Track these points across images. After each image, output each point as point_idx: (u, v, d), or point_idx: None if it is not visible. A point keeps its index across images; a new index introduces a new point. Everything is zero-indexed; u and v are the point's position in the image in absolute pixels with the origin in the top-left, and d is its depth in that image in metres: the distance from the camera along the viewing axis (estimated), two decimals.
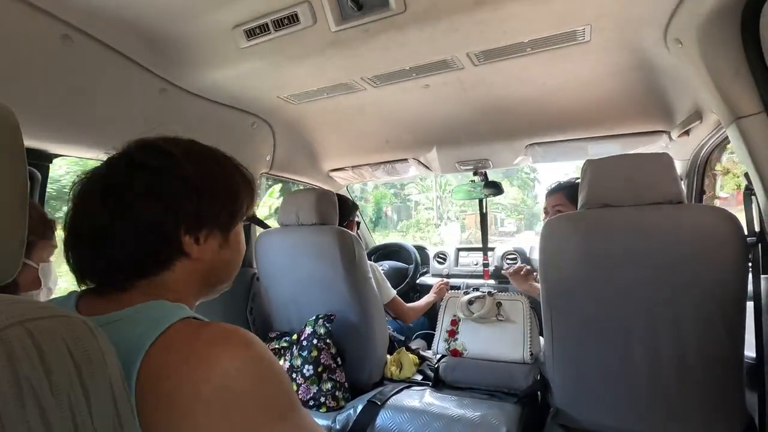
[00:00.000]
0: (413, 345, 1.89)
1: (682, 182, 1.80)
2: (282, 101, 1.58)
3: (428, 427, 1.24)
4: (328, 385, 1.47)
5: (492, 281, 2.36)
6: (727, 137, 1.45)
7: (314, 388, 1.47)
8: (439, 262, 2.74)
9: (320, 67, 1.30)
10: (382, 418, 1.31)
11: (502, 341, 1.47)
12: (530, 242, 2.62)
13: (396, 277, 2.46)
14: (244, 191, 0.63)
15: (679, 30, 1.00)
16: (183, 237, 0.55)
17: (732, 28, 0.90)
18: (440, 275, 2.63)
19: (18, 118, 0.42)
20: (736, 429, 1.05)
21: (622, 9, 1.03)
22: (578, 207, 1.19)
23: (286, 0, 1.03)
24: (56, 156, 1.23)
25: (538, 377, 1.36)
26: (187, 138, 0.62)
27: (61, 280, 1.04)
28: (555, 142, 1.84)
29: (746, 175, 1.02)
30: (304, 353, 1.49)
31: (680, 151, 1.71)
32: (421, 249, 2.80)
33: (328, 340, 1.50)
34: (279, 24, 1.09)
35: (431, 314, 2.35)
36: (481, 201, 2.24)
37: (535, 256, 2.37)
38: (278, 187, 7.13)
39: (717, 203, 3.60)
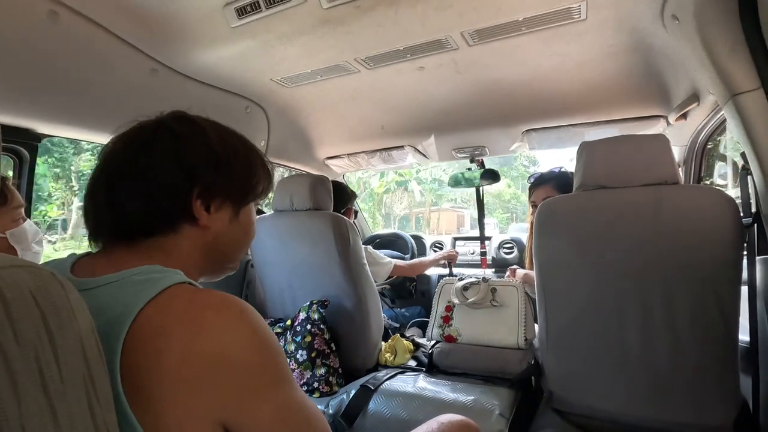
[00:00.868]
0: (408, 333, 1.89)
1: (680, 168, 1.78)
2: (275, 84, 1.56)
3: (421, 411, 1.23)
4: (322, 371, 1.46)
5: (490, 271, 2.35)
6: (724, 120, 1.44)
7: (308, 374, 1.46)
8: (436, 252, 2.73)
9: (313, 48, 1.28)
10: (375, 402, 1.31)
11: (496, 327, 1.46)
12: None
13: None
14: (260, 173, 0.64)
15: (676, 6, 0.98)
16: (194, 201, 0.56)
17: (729, 2, 0.88)
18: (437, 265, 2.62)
19: (3, 96, 0.40)
20: (729, 412, 1.04)
21: None
22: (573, 189, 1.17)
23: None
24: (45, 136, 1.22)
25: (532, 362, 1.35)
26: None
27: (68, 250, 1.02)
28: (552, 128, 1.82)
29: (743, 154, 1.01)
30: (298, 338, 1.49)
31: (678, 136, 1.70)
32: (417, 238, 2.79)
33: (321, 326, 1.50)
34: (270, 1, 1.07)
35: (427, 303, 2.35)
36: (478, 189, 2.23)
37: None
38: None
39: None
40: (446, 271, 2.30)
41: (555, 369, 1.22)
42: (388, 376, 1.42)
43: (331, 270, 1.53)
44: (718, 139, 1.84)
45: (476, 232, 2.66)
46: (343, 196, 1.92)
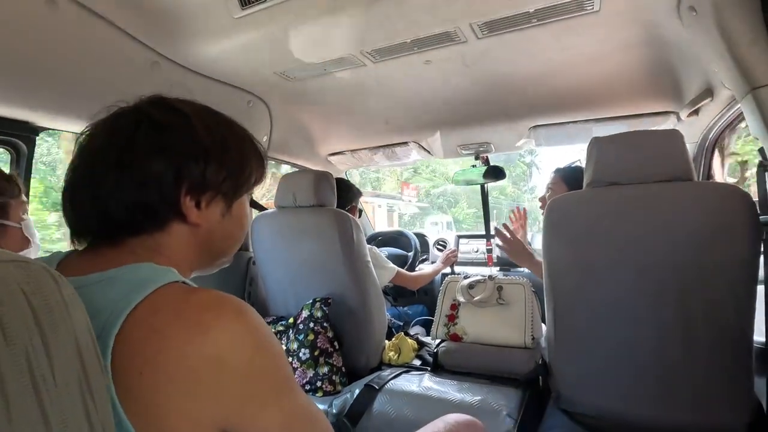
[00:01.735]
0: (411, 331, 1.87)
1: None
2: (279, 77, 1.53)
3: (426, 411, 1.21)
4: (325, 369, 1.44)
5: (496, 269, 2.32)
6: (738, 116, 1.41)
7: (310, 373, 1.44)
8: (439, 249, 2.70)
9: (318, 39, 1.25)
10: (380, 402, 1.29)
11: (502, 325, 1.44)
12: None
13: (395, 264, 2.43)
14: (253, 162, 0.60)
15: None
16: (183, 198, 0.52)
17: None
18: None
19: (0, 87, 0.38)
20: (743, 414, 1.02)
21: None
22: (584, 185, 1.15)
23: None
24: (43, 129, 1.19)
25: (540, 362, 1.33)
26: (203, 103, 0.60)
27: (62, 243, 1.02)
28: (559, 123, 1.79)
29: (761, 150, 0.98)
30: (300, 337, 1.47)
31: (688, 132, 1.66)
32: (420, 236, 2.76)
33: (325, 324, 1.48)
34: None
35: (430, 301, 2.32)
36: (482, 187, 2.21)
37: (537, 244, 2.34)
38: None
39: None
40: (448, 269, 2.28)
41: (564, 369, 1.19)
42: (392, 375, 1.40)
43: (334, 267, 1.51)
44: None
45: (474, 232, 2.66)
46: (348, 194, 1.89)
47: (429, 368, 1.46)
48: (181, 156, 0.52)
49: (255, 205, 1.97)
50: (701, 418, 1.03)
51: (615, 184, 1.08)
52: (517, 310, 1.44)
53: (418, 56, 1.36)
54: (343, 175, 2.58)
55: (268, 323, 1.58)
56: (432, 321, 1.58)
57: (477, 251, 2.58)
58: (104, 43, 1.14)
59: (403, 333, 1.68)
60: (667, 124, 1.63)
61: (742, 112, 1.03)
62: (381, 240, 2.76)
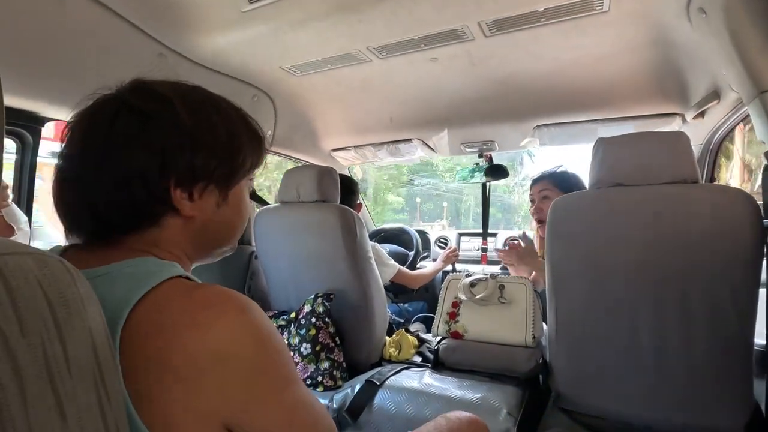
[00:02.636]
0: (412, 328, 1.87)
1: None
2: (284, 72, 1.52)
3: (427, 407, 1.21)
4: (326, 365, 1.45)
5: (492, 268, 2.32)
6: (744, 119, 1.41)
7: (312, 367, 1.44)
8: (441, 247, 2.70)
9: (324, 35, 1.25)
10: (381, 397, 1.29)
11: (504, 324, 1.44)
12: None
13: (396, 262, 2.43)
14: (248, 146, 0.56)
15: None
16: (173, 191, 0.50)
17: None
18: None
19: (7, 77, 0.37)
20: (741, 416, 1.03)
21: None
22: (588, 186, 1.15)
23: None
24: (48, 119, 1.19)
25: (540, 361, 1.33)
26: (193, 84, 0.56)
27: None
28: (564, 123, 1.79)
29: (766, 154, 0.98)
30: (302, 331, 1.47)
31: (693, 134, 1.66)
32: (422, 233, 2.76)
33: (326, 319, 1.48)
34: None
35: (430, 298, 2.33)
36: (484, 185, 2.20)
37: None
38: None
39: None
40: (449, 267, 2.28)
41: (564, 369, 1.20)
42: (393, 371, 1.40)
43: (336, 263, 1.51)
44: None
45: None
46: (352, 190, 1.90)
47: (429, 365, 1.47)
48: (166, 149, 0.49)
49: (257, 198, 1.98)
50: (701, 420, 1.04)
51: (620, 185, 1.08)
52: (518, 308, 1.44)
53: (425, 53, 1.36)
54: (345, 171, 2.58)
55: (270, 318, 1.59)
56: (432, 318, 1.58)
57: (478, 249, 2.58)
58: (110, 34, 1.14)
59: (403, 329, 1.69)
60: (673, 125, 1.63)
61: (748, 115, 1.03)
62: (383, 236, 2.76)
